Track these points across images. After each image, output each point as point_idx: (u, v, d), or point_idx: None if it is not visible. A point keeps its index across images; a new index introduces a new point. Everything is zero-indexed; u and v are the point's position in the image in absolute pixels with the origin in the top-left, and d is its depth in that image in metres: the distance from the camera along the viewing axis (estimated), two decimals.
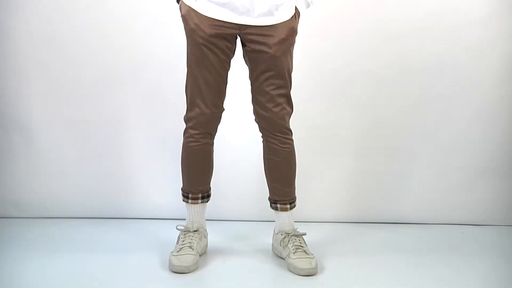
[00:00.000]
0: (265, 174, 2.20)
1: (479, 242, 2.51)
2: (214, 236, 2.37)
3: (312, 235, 2.34)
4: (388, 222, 2.74)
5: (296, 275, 2.01)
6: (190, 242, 2.09)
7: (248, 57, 2.07)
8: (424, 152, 2.75)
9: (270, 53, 2.00)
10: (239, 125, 2.67)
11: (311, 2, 2.09)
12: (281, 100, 2.06)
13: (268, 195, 2.22)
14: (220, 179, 2.58)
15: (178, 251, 2.05)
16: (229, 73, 2.11)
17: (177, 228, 2.18)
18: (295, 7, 2.05)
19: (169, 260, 2.04)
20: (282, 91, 2.06)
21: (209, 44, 2.00)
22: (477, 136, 2.74)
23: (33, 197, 2.75)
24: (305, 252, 2.06)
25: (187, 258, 2.01)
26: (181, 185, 2.22)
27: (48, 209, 2.75)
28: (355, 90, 2.73)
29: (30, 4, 2.68)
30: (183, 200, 2.21)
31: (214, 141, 2.13)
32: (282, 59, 2.02)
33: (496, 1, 2.68)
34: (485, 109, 2.73)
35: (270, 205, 2.22)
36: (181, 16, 2.05)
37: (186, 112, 2.12)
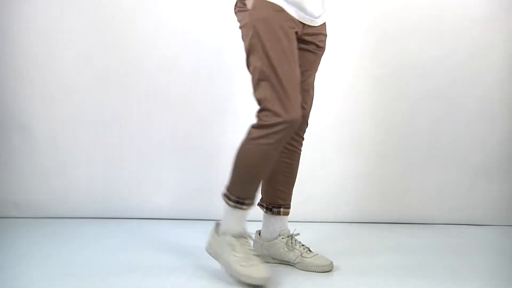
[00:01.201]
0: (271, 178, 2.09)
1: (479, 242, 2.51)
2: None
3: (312, 235, 2.34)
4: (388, 222, 2.74)
5: (296, 274, 2.01)
6: (253, 250, 1.95)
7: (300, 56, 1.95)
8: (424, 152, 2.75)
9: (318, 52, 2.02)
10: (239, 124, 2.67)
11: None
12: (312, 98, 2.08)
13: (265, 200, 2.13)
14: (221, 179, 2.57)
15: (248, 261, 1.88)
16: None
17: (244, 236, 1.95)
18: None
19: (239, 271, 1.87)
20: (313, 90, 2.08)
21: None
22: (477, 136, 2.74)
23: (33, 197, 2.75)
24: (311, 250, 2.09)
25: (264, 268, 1.88)
26: (229, 190, 1.95)
27: (48, 209, 2.76)
28: (355, 90, 2.73)
29: (31, 4, 2.68)
30: (236, 207, 1.92)
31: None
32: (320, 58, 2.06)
33: (496, 1, 2.68)
34: (485, 109, 2.73)
35: (270, 210, 2.11)
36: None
37: (284, 113, 1.81)
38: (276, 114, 1.81)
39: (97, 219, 2.73)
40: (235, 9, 1.94)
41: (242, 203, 1.91)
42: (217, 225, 1.99)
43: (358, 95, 2.73)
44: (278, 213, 2.11)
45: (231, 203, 1.92)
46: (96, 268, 2.06)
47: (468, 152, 2.74)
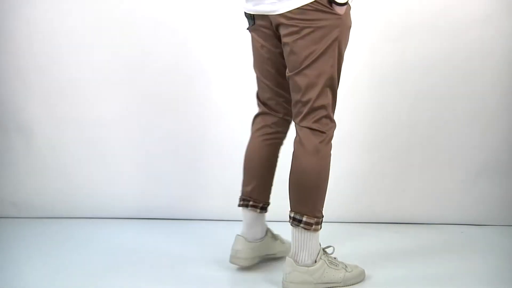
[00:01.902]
0: (269, 176, 2.07)
1: (479, 242, 2.51)
2: (222, 236, 2.36)
3: None
4: (388, 222, 2.74)
5: None
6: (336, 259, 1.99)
7: None
8: (424, 152, 2.75)
9: None
10: (239, 124, 2.67)
11: None
12: None
13: (261, 200, 2.08)
14: (221, 179, 2.57)
15: (346, 264, 1.97)
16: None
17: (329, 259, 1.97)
18: None
19: (352, 277, 1.95)
20: None
21: None
22: (477, 136, 2.74)
23: (33, 197, 2.75)
24: None
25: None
26: (317, 215, 1.88)
27: (48, 209, 2.75)
28: (355, 90, 2.73)
29: (30, 4, 2.68)
30: (320, 229, 1.88)
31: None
32: None
33: (496, 1, 2.68)
34: (486, 108, 2.72)
35: (265, 209, 2.07)
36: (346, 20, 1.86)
37: (333, 120, 1.91)
38: (332, 121, 1.89)
39: (97, 219, 2.73)
40: (310, 5, 1.78)
41: (322, 222, 1.90)
42: (296, 261, 1.87)
43: (357, 95, 2.73)
44: (266, 210, 2.08)
45: (320, 226, 1.88)
46: (95, 268, 2.06)
47: (468, 152, 2.74)
